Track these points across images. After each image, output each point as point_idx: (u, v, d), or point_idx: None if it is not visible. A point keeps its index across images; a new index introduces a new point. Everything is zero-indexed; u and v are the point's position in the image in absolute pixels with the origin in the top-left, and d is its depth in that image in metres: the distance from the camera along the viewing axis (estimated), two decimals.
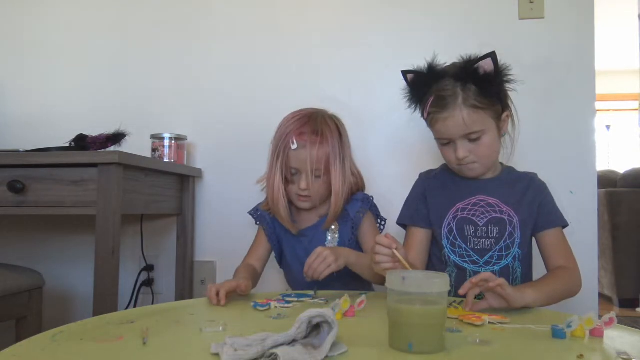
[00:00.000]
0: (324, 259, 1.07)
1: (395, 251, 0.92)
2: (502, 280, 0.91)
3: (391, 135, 1.70)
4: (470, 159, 1.12)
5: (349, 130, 1.65)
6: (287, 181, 1.26)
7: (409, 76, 1.16)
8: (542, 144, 1.57)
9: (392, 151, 1.69)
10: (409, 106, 1.18)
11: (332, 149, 1.22)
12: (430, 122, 1.13)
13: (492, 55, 1.07)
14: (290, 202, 1.30)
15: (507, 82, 1.10)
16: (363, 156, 1.67)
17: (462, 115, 1.07)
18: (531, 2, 1.62)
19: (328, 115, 1.29)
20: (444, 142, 1.14)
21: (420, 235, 1.22)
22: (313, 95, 1.72)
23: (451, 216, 1.18)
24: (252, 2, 1.80)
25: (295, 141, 1.20)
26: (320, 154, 1.20)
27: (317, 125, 1.22)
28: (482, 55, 1.07)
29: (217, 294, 1.00)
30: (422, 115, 1.17)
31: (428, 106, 1.11)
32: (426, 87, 1.12)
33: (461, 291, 0.92)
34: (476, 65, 1.07)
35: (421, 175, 1.30)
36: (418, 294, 0.70)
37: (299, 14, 1.78)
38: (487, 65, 1.06)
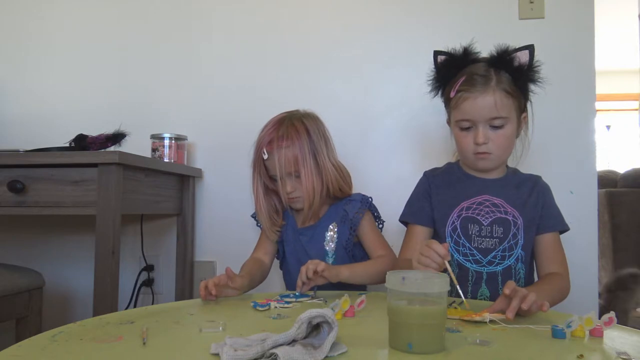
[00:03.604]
0: (316, 264, 1.09)
1: (447, 264, 0.92)
2: (533, 297, 0.85)
3: (391, 135, 1.70)
4: (487, 147, 1.11)
5: (348, 130, 1.67)
6: (273, 190, 1.31)
7: (440, 57, 1.17)
8: (542, 144, 1.57)
9: (392, 151, 1.69)
10: (432, 88, 1.19)
11: (300, 149, 1.24)
12: (457, 101, 1.11)
13: (530, 48, 1.09)
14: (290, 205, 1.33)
15: (537, 79, 1.12)
16: (363, 156, 1.69)
17: (494, 96, 1.08)
18: (531, 2, 1.62)
19: (297, 117, 1.29)
20: (465, 125, 1.12)
21: (422, 234, 1.21)
22: (313, 95, 1.72)
23: (456, 215, 1.17)
24: (253, 2, 1.80)
25: (265, 151, 1.25)
26: (289, 156, 1.23)
27: (283, 130, 1.25)
28: (519, 46, 1.10)
29: (206, 288, 1.03)
30: (447, 96, 1.16)
31: (458, 85, 1.11)
32: (458, 69, 1.14)
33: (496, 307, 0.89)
34: (513, 55, 1.09)
35: (426, 173, 1.29)
36: (418, 294, 0.70)
37: (299, 14, 1.78)
38: (523, 56, 1.09)
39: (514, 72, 1.10)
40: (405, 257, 1.17)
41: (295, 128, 1.26)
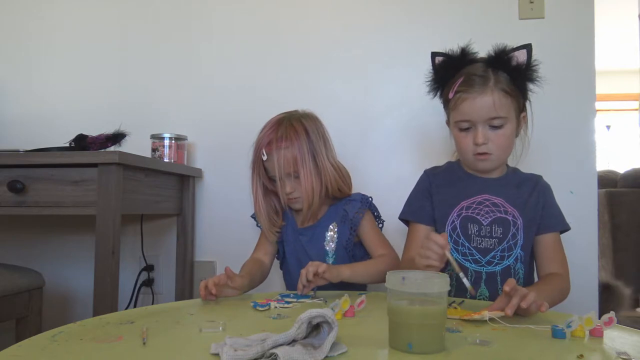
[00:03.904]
0: (317, 266, 1.09)
1: (447, 253, 0.93)
2: (532, 296, 0.85)
3: (391, 135, 1.70)
4: (487, 147, 1.11)
5: (348, 130, 1.67)
6: (273, 191, 1.31)
7: (438, 59, 1.17)
8: (542, 143, 1.57)
9: (392, 151, 1.69)
10: (431, 90, 1.19)
11: (299, 149, 1.24)
12: (456, 102, 1.11)
13: (528, 47, 1.10)
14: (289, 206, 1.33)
15: (535, 79, 1.12)
16: (363, 156, 1.69)
17: (492, 97, 1.08)
18: (531, 2, 1.62)
19: (295, 117, 1.29)
20: (464, 126, 1.12)
21: (423, 233, 1.21)
22: (313, 95, 1.72)
23: (455, 214, 1.17)
24: (253, 2, 1.80)
25: (264, 152, 1.25)
26: (288, 157, 1.23)
27: (282, 131, 1.25)
28: (516, 46, 1.10)
29: (206, 288, 1.04)
30: (445, 97, 1.16)
31: (456, 85, 1.11)
32: (456, 70, 1.14)
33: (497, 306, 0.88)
34: (510, 55, 1.09)
35: (426, 171, 1.29)
36: (418, 294, 0.71)
37: (299, 14, 1.78)
38: (521, 55, 1.09)
39: (512, 72, 1.10)
40: (408, 257, 1.17)
41: (294, 129, 1.26)
